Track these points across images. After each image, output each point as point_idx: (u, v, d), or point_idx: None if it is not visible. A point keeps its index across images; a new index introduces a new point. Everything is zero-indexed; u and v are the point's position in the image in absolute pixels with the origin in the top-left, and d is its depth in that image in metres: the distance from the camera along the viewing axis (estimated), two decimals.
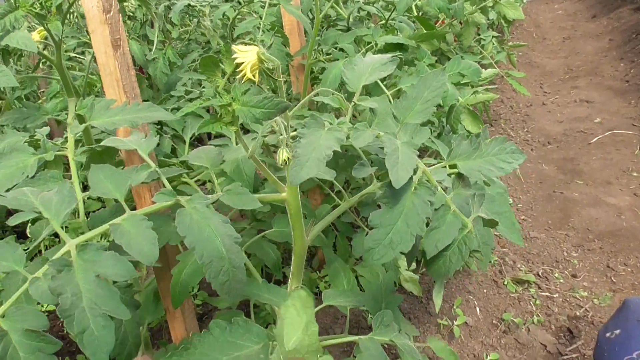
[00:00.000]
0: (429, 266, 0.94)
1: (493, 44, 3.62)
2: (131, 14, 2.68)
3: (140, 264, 1.51)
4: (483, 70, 2.21)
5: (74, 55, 2.42)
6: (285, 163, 0.90)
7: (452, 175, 0.96)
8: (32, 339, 0.77)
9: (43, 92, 2.50)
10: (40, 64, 2.33)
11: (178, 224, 0.85)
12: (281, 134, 0.95)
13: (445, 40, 3.01)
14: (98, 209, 1.17)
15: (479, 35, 3.54)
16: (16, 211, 0.91)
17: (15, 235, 2.31)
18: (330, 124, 0.92)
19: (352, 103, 0.98)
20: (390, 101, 1.58)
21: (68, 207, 0.87)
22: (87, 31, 2.37)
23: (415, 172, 0.88)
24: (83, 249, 0.80)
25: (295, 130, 0.95)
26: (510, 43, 3.95)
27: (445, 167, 0.99)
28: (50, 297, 0.78)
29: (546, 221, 2.79)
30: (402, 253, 0.87)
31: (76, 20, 2.65)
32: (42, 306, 2.05)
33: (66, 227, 2.02)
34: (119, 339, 1.00)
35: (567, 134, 3.78)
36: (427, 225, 0.88)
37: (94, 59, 1.20)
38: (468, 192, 0.93)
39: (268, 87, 1.58)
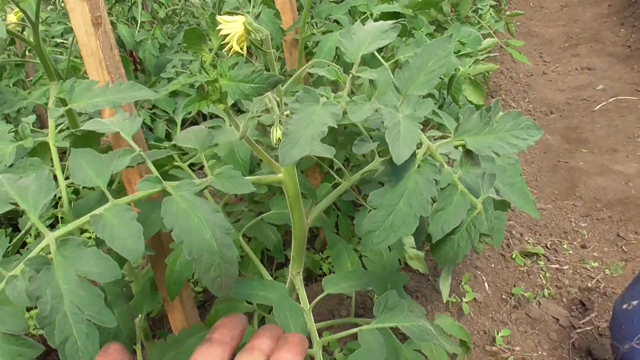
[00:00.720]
0: (435, 251, 0.87)
1: (491, 13, 3.53)
2: None
3: None
4: (482, 40, 2.14)
5: (61, 41, 2.36)
6: (280, 141, 0.84)
7: (460, 152, 0.89)
8: (11, 344, 0.70)
9: (30, 80, 2.43)
10: (27, 52, 2.27)
11: (164, 214, 0.78)
12: (274, 111, 0.89)
13: (442, 10, 2.93)
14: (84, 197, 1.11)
15: (476, 5, 3.45)
16: None
17: (11, 228, 2.26)
18: (327, 98, 0.85)
19: (351, 75, 0.91)
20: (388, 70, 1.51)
21: (46, 196, 0.80)
22: None
23: (419, 147, 0.81)
24: (63, 244, 0.73)
25: (296, 99, 0.88)
26: (507, 12, 3.86)
27: (452, 143, 0.92)
28: (28, 300, 0.72)
29: (552, 192, 2.73)
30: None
31: (62, 5, 2.58)
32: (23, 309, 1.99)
33: (62, 218, 1.96)
34: (111, 333, 0.94)
35: (569, 102, 3.70)
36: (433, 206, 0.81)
37: (75, 39, 1.13)
38: (477, 171, 0.86)
39: (261, 62, 1.51)
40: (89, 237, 1.85)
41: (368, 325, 0.95)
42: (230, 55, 0.83)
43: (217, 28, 0.82)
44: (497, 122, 0.87)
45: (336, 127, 0.75)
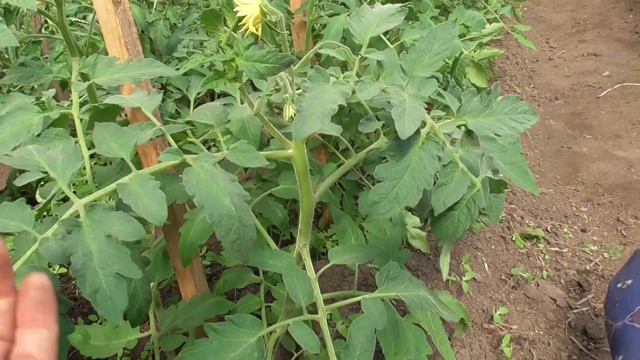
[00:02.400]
0: (436, 226, 0.92)
1: None
2: None
3: (149, 224, 1.52)
4: (488, 24, 2.17)
5: (76, 20, 2.40)
6: (292, 119, 0.89)
7: (462, 131, 0.94)
8: None
9: (46, 58, 2.47)
10: (43, 30, 2.31)
11: (186, 183, 0.83)
12: (286, 90, 0.93)
13: None
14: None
15: None
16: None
17: (26, 200, 2.32)
18: (337, 77, 0.89)
19: (359, 56, 0.95)
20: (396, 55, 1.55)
21: (74, 166, 0.86)
22: None
23: (423, 126, 0.86)
24: (91, 209, 0.79)
25: (299, 88, 0.93)
26: None
27: (454, 123, 0.97)
28: (60, 257, 0.77)
29: (554, 177, 2.77)
30: (409, 209, 0.86)
31: None
32: (54, 269, 2.07)
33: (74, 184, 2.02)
34: (129, 294, 0.99)
35: (574, 88, 3.73)
36: (435, 181, 0.86)
37: (95, 17, 1.18)
38: (477, 151, 0.91)
39: (269, 45, 1.55)
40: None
41: (371, 294, 1.00)
42: (246, 36, 0.88)
43: (233, 9, 0.87)
44: (496, 105, 0.91)
45: (345, 105, 0.79)
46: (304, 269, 1.09)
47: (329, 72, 0.86)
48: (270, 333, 1.22)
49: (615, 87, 3.61)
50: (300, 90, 0.86)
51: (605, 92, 3.57)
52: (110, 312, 0.72)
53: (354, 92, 0.85)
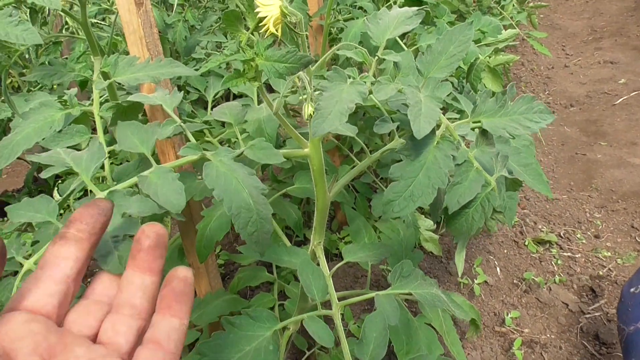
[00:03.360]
0: (451, 223, 0.93)
1: (513, 5, 3.55)
2: None
3: (164, 220, 1.54)
4: (503, 30, 2.18)
5: (96, 21, 2.44)
6: (311, 117, 0.91)
7: (476, 132, 0.95)
8: None
9: (66, 58, 2.52)
10: (63, 31, 2.36)
11: (205, 177, 0.86)
12: (305, 89, 0.96)
13: (465, 2, 2.96)
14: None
15: None
16: (45, 181, 0.94)
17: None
18: (354, 78, 0.91)
19: (376, 57, 0.97)
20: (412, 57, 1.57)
21: (97, 162, 0.89)
22: None
23: (438, 127, 0.87)
24: (111, 196, 0.82)
25: (316, 89, 0.95)
26: (531, 4, 3.87)
27: (469, 123, 0.98)
28: None
29: (568, 183, 2.77)
30: (420, 209, 0.88)
31: None
32: None
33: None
34: None
35: (590, 95, 3.72)
36: (449, 180, 0.88)
37: (117, 17, 1.21)
38: (492, 150, 0.92)
39: (289, 44, 1.58)
40: None
41: (384, 291, 1.02)
42: (266, 36, 0.90)
43: (254, 10, 0.89)
44: (511, 106, 0.93)
45: (362, 104, 0.81)
46: (319, 266, 1.11)
47: (347, 73, 0.88)
48: (284, 329, 1.24)
49: (631, 94, 3.59)
50: (319, 91, 0.88)
51: (621, 99, 3.56)
52: None
53: (370, 92, 0.87)
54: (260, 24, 0.90)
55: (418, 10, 0.97)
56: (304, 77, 0.92)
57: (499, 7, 3.48)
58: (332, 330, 0.97)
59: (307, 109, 0.90)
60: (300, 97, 0.97)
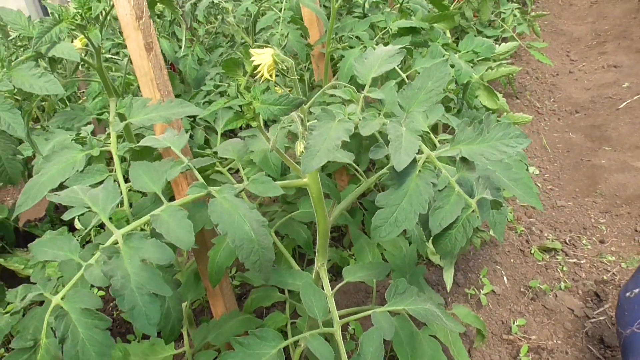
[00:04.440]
0: (436, 244, 1.02)
1: (515, 15, 3.63)
2: (159, 13, 2.81)
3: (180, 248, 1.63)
4: (503, 43, 2.26)
5: (110, 56, 2.57)
6: (302, 153, 1.00)
7: (457, 159, 1.04)
8: (88, 317, 0.89)
9: (82, 92, 2.64)
10: (80, 67, 2.48)
11: (211, 213, 0.95)
12: (298, 128, 1.05)
13: (465, 16, 3.05)
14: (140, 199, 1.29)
15: (499, 8, 3.56)
16: (64, 207, 1.04)
17: (67, 227, 2.48)
18: (343, 115, 1.00)
19: (362, 95, 1.06)
20: (405, 81, 1.66)
21: (113, 201, 0.99)
22: (120, 33, 2.51)
23: (420, 154, 0.96)
24: (129, 238, 0.92)
25: (316, 117, 1.03)
26: (533, 13, 3.95)
27: (449, 152, 1.07)
28: (102, 280, 0.90)
29: (573, 189, 2.83)
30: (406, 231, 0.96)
31: (109, 23, 2.80)
32: (94, 291, 2.21)
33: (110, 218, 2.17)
34: (163, 314, 1.11)
35: (594, 101, 3.77)
36: (430, 204, 0.96)
37: (129, 60, 1.31)
38: (472, 174, 1.00)
39: (285, 84, 1.68)
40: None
41: (380, 308, 1.11)
42: (262, 81, 1.00)
43: (250, 59, 0.99)
44: (488, 133, 1.01)
45: (348, 140, 0.90)
46: (323, 287, 1.20)
47: (335, 111, 0.97)
48: (295, 345, 1.33)
49: (634, 98, 3.64)
50: (309, 125, 0.98)
51: (625, 103, 3.61)
52: (145, 325, 0.84)
53: (356, 128, 0.96)
54: (255, 71, 1.00)
55: (399, 49, 1.07)
56: (295, 116, 1.01)
57: (499, 20, 3.56)
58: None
59: (299, 147, 0.99)
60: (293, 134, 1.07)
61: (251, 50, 0.98)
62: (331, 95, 1.84)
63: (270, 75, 0.99)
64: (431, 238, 1.02)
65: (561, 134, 3.42)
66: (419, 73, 1.75)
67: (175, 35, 2.70)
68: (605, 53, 4.55)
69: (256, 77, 1.02)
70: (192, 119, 2.07)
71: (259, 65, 0.99)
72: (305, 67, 2.29)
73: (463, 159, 1.00)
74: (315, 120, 0.94)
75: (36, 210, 3.42)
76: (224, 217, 0.93)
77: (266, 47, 0.98)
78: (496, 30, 3.33)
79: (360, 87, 1.10)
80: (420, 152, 0.94)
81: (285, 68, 0.98)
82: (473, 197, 0.98)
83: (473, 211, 0.98)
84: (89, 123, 2.02)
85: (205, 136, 2.04)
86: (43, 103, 2.67)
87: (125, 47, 2.42)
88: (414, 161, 0.92)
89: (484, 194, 1.00)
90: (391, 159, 0.86)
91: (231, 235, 0.92)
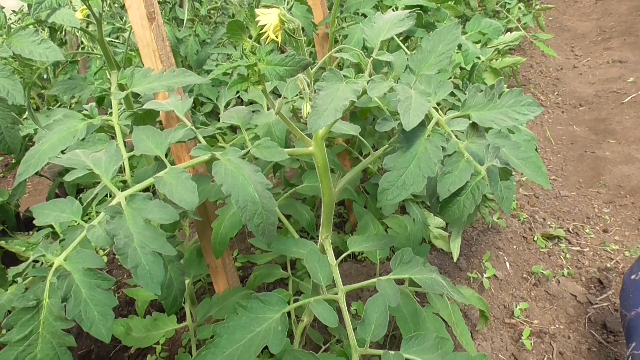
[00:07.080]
0: (443, 210, 1.00)
1: (519, 7, 3.62)
2: None
3: (182, 219, 1.62)
4: (509, 33, 2.25)
5: (110, 40, 2.55)
6: (309, 114, 0.98)
7: (467, 126, 1.02)
8: (91, 277, 0.88)
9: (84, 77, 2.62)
10: (79, 48, 2.47)
11: (215, 174, 0.94)
12: (304, 89, 1.03)
13: (470, 5, 3.04)
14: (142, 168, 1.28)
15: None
16: (65, 194, 1.03)
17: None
18: (350, 77, 0.99)
19: (371, 58, 1.05)
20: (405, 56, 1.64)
21: (115, 164, 0.98)
22: (120, 17, 2.50)
23: (429, 120, 0.94)
24: (132, 199, 0.90)
25: (323, 77, 1.02)
26: (537, 6, 3.93)
27: (459, 117, 1.05)
28: (105, 240, 0.89)
29: (577, 180, 2.82)
30: (414, 196, 0.94)
31: (109, 7, 2.78)
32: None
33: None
34: (165, 284, 1.10)
35: (599, 95, 3.76)
36: (439, 169, 0.94)
37: (131, 31, 1.30)
38: (482, 142, 0.99)
39: (291, 48, 1.66)
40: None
41: (386, 276, 1.09)
42: (267, 43, 0.98)
43: (255, 19, 0.97)
44: (499, 99, 0.99)
45: (356, 101, 0.89)
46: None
47: (343, 73, 0.96)
48: (298, 321, 1.31)
49: (639, 92, 3.63)
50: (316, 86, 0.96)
51: (630, 97, 3.59)
52: (149, 283, 0.83)
53: (364, 91, 0.94)
54: (261, 32, 0.98)
55: (410, 12, 1.05)
56: (303, 78, 1.00)
57: (504, 10, 3.55)
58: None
59: (306, 107, 0.98)
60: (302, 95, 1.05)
61: (256, 10, 0.96)
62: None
63: (277, 36, 0.97)
64: (439, 205, 1.00)
65: (565, 127, 3.41)
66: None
67: (176, 20, 2.69)
68: (610, 49, 4.53)
69: (261, 42, 1.00)
70: (193, 105, 2.05)
71: (264, 26, 0.98)
72: (308, 51, 2.27)
73: (473, 125, 0.98)
74: (322, 81, 0.93)
75: (36, 200, 3.42)
76: (228, 178, 0.92)
77: (272, 7, 0.97)
78: (501, 21, 3.31)
79: (369, 53, 1.09)
80: (429, 116, 0.93)
81: (291, 28, 0.97)
82: (482, 164, 0.97)
83: (482, 178, 0.96)
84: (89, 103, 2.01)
85: (206, 121, 2.03)
86: (42, 90, 2.65)
87: (125, 30, 2.41)
88: (423, 124, 0.91)
89: (493, 162, 0.99)
90: (400, 119, 0.85)
91: (235, 196, 0.90)
